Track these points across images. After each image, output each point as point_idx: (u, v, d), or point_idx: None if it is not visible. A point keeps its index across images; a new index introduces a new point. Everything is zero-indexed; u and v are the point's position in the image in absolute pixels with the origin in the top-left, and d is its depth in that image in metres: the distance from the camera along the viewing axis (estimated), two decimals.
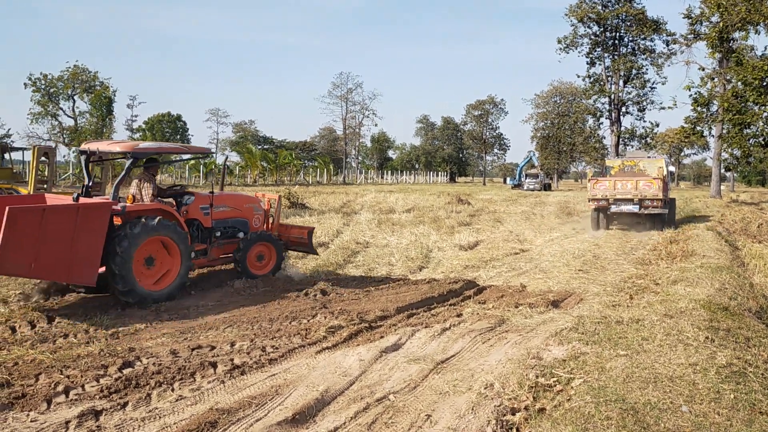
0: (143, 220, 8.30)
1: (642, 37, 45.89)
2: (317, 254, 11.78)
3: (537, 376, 5.35)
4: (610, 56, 47.00)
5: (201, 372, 5.70)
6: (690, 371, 5.11)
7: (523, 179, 67.90)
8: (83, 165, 9.35)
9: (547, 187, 67.36)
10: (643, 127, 47.19)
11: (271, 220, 11.08)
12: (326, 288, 9.49)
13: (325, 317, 7.77)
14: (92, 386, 5.30)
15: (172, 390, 5.32)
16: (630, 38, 46.92)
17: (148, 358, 6.06)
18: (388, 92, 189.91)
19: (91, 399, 5.06)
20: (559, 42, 48.97)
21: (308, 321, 7.65)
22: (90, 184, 9.40)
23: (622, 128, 47.14)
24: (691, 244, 14.86)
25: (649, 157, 23.22)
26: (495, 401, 4.96)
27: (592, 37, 47.68)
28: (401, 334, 6.95)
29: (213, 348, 6.44)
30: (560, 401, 4.81)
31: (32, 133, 57.42)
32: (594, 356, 5.62)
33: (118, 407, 4.94)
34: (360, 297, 9.07)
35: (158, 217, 8.49)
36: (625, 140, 48.27)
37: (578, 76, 56.30)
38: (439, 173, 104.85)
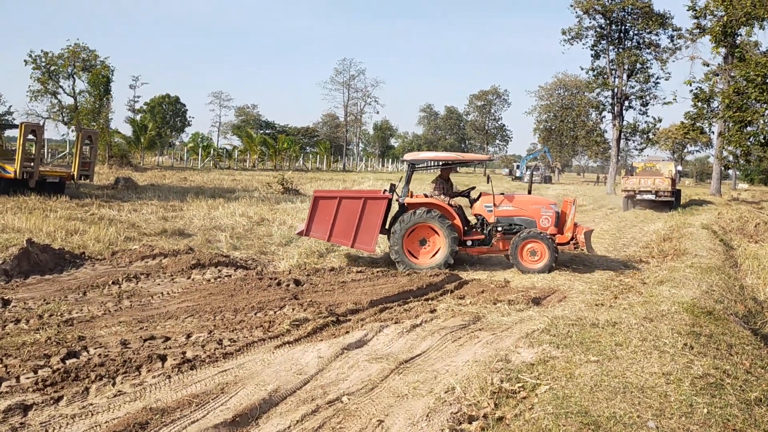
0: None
1: (647, 30, 45.17)
2: (593, 252, 11.93)
3: (502, 381, 5.03)
4: (615, 49, 46.29)
5: (148, 365, 5.38)
6: (662, 381, 4.78)
7: (523, 171, 67.54)
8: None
9: (547, 180, 67.03)
10: (645, 122, 46.59)
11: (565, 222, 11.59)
12: (300, 278, 9.18)
13: (293, 309, 7.46)
14: (28, 378, 4.99)
15: (113, 384, 5.01)
16: (635, 32, 46.22)
17: (95, 348, 5.75)
18: (392, 80, 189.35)
19: (23, 392, 4.74)
20: (564, 33, 48.22)
21: (274, 313, 7.33)
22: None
23: (624, 122, 46.51)
24: (684, 242, 14.52)
25: (663, 160, 31.76)
26: (453, 407, 4.64)
27: (598, 29, 47.01)
28: (368, 330, 6.63)
29: (167, 339, 6.12)
30: (522, 410, 4.49)
31: (31, 111, 56.94)
32: (564, 361, 5.30)
33: (51, 402, 4.63)
34: (334, 288, 8.75)
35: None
36: (627, 135, 47.70)
37: (582, 69, 55.53)
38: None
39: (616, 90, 45.99)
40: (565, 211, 11.70)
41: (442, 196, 11.61)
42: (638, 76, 46.00)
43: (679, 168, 32.14)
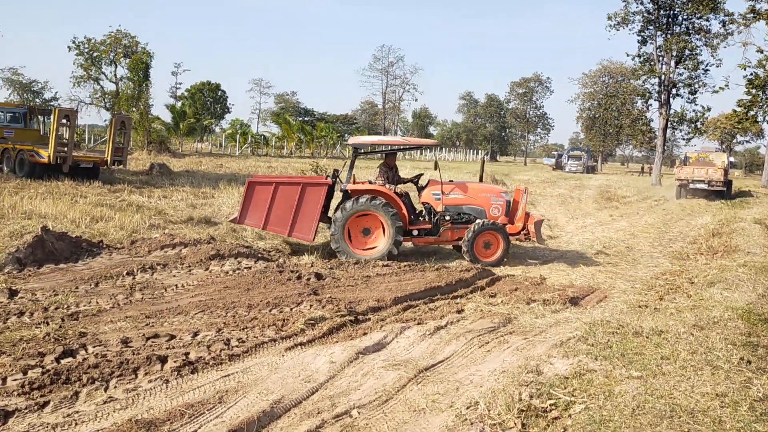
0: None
1: (697, 15, 43.31)
2: (544, 243, 11.43)
3: (531, 396, 4.48)
4: (663, 35, 44.51)
5: (146, 368, 4.98)
6: (716, 404, 4.17)
7: (565, 160, 66.06)
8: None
9: (590, 170, 65.39)
10: (693, 111, 44.81)
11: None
12: (323, 271, 8.73)
13: (311, 306, 7.00)
14: (15, 379, 4.63)
15: (106, 389, 4.62)
16: (684, 17, 44.41)
17: (94, 347, 5.39)
18: (431, 67, 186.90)
19: (7, 396, 4.39)
20: (610, 18, 46.62)
21: (290, 310, 6.88)
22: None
23: (671, 111, 44.82)
24: (734, 238, 13.63)
25: (716, 150, 33.37)
26: (475, 427, 4.13)
27: (645, 14, 45.31)
28: (388, 332, 6.13)
29: (172, 338, 5.73)
30: None
31: (75, 97, 57.94)
32: (602, 376, 4.71)
33: (35, 408, 4.26)
34: (357, 283, 8.27)
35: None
36: (674, 124, 45.98)
37: (628, 55, 53.82)
38: (480, 151, 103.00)
39: (663, 77, 44.30)
40: (517, 200, 11.22)
41: (387, 184, 10.98)
42: (687, 62, 44.19)
43: (732, 159, 34.32)
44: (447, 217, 10.84)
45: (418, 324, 6.49)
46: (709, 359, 5.00)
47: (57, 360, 5.04)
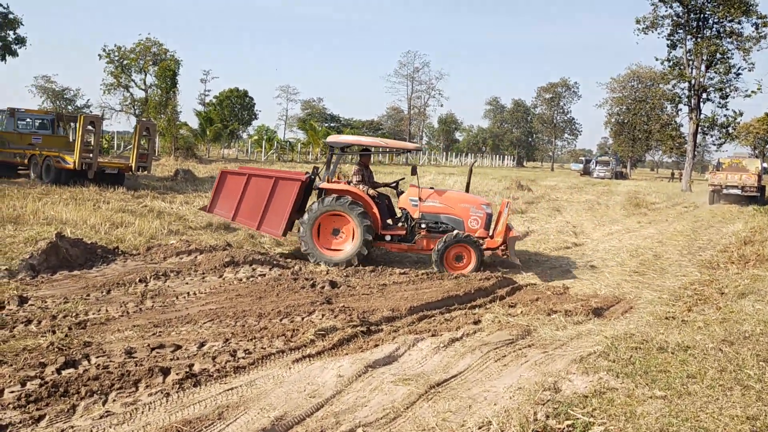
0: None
1: (729, 18, 42.36)
2: (517, 261, 10.51)
3: (547, 416, 4.23)
4: (693, 39, 43.64)
5: (147, 380, 4.83)
6: (747, 428, 3.88)
7: (593, 166, 65.16)
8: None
9: (619, 176, 64.36)
10: (724, 116, 43.79)
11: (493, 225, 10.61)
12: (338, 279, 8.54)
13: (323, 315, 6.81)
14: (12, 392, 4.50)
15: (104, 403, 4.47)
16: (715, 20, 43.45)
17: (97, 357, 5.25)
18: (457, 73, 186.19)
19: (2, 409, 4.25)
20: (638, 22, 45.84)
21: (301, 319, 6.70)
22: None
23: (702, 116, 43.83)
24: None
25: (749, 156, 34.24)
26: None
27: (674, 18, 44.46)
28: (400, 344, 5.91)
29: (177, 348, 5.57)
30: None
31: (105, 104, 58.88)
32: (624, 395, 4.43)
33: (30, 422, 4.12)
34: (372, 292, 8.06)
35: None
36: (705, 129, 44.97)
37: (656, 60, 52.89)
38: (506, 157, 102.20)
39: (693, 81, 43.42)
40: (503, 212, 10.52)
41: (361, 186, 10.59)
42: (718, 67, 43.24)
43: (765, 164, 33.71)
44: (423, 225, 10.37)
45: (433, 335, 6.26)
46: (740, 378, 4.69)
47: (58, 371, 4.91)
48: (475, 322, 6.87)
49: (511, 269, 10.47)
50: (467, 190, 11.41)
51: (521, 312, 7.47)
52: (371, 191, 10.64)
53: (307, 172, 10.94)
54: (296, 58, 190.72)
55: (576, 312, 7.56)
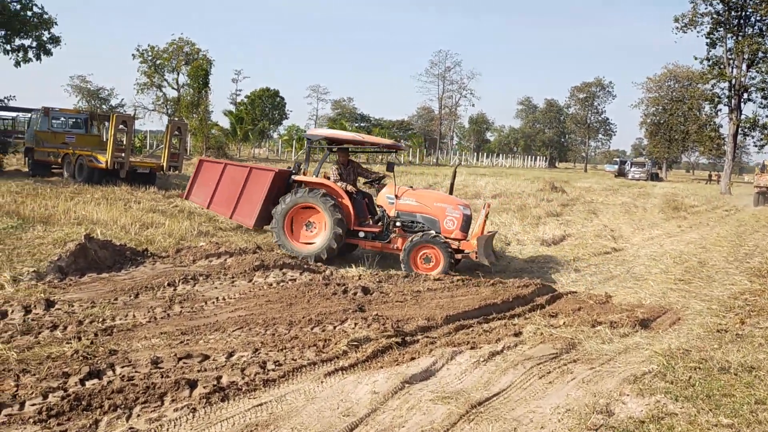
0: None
1: None
2: (486, 262, 9.91)
3: None
4: (734, 37, 42.49)
5: (173, 393, 4.59)
6: None
7: (628, 167, 63.98)
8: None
9: (654, 177, 63.07)
10: (767, 116, 42.59)
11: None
12: (370, 285, 8.25)
13: (356, 324, 6.52)
14: (34, 404, 4.30)
15: (128, 418, 4.24)
16: (757, 17, 42.22)
17: (122, 367, 5.04)
18: (488, 72, 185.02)
19: (23, 423, 4.05)
20: (677, 21, 44.85)
21: (333, 328, 6.43)
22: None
23: (743, 117, 42.66)
24: None
25: None
26: None
27: (714, 15, 43.34)
28: (437, 357, 5.60)
29: (205, 359, 5.33)
30: None
31: (138, 103, 59.56)
32: (685, 421, 4.06)
33: None
34: (406, 299, 7.75)
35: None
36: (745, 130, 43.72)
37: (695, 59, 51.64)
38: (538, 158, 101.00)
39: (733, 81, 42.28)
40: (480, 214, 10.24)
41: (340, 183, 10.51)
42: (760, 65, 42.05)
43: None
44: (398, 223, 10.13)
45: (471, 348, 5.94)
46: None
47: (81, 382, 4.70)
48: (516, 334, 6.52)
49: (545, 275, 10.07)
50: (451, 192, 11.05)
51: (564, 323, 7.09)
52: (349, 187, 10.53)
53: (289, 167, 11.07)
54: (328, 58, 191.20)
55: (621, 323, 7.17)
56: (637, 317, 7.51)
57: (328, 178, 10.66)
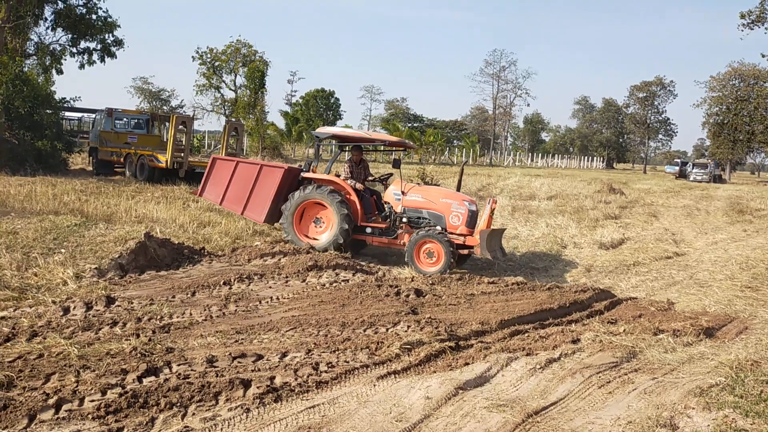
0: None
1: None
2: (490, 257, 9.80)
3: None
4: None
5: (228, 393, 4.61)
6: None
7: (689, 169, 61.99)
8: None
9: (717, 179, 60.89)
10: None
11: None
12: (423, 287, 8.17)
13: (408, 327, 6.46)
14: (92, 400, 4.38)
15: (183, 416, 4.28)
16: None
17: (179, 365, 5.10)
18: (544, 71, 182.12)
19: (81, 419, 4.13)
20: (743, 17, 43.33)
21: (386, 330, 6.38)
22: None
23: None
24: None
25: None
26: None
27: None
28: (492, 363, 5.48)
29: (258, 358, 5.36)
30: None
31: (197, 104, 61.03)
32: None
33: None
34: (460, 302, 7.64)
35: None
36: None
37: (763, 56, 49.66)
38: (595, 159, 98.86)
39: None
40: (485, 210, 10.05)
41: (350, 180, 10.71)
42: None
43: None
44: (405, 219, 10.27)
45: (527, 355, 5.80)
46: None
47: (139, 379, 4.78)
48: (574, 341, 6.34)
49: (603, 280, 9.79)
50: (458, 189, 11.13)
51: (624, 330, 6.86)
52: (358, 185, 10.66)
53: (299, 165, 11.34)
54: (381, 57, 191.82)
55: (685, 332, 6.90)
56: (701, 325, 7.21)
57: (339, 176, 10.88)
